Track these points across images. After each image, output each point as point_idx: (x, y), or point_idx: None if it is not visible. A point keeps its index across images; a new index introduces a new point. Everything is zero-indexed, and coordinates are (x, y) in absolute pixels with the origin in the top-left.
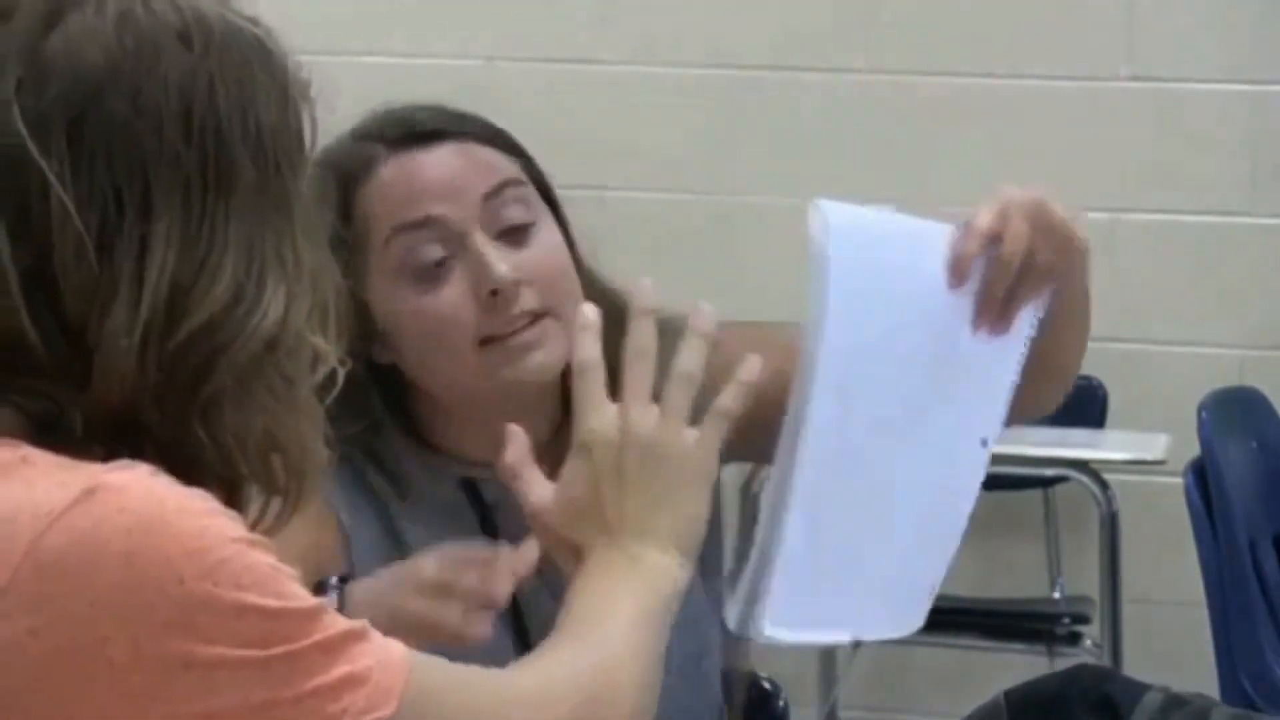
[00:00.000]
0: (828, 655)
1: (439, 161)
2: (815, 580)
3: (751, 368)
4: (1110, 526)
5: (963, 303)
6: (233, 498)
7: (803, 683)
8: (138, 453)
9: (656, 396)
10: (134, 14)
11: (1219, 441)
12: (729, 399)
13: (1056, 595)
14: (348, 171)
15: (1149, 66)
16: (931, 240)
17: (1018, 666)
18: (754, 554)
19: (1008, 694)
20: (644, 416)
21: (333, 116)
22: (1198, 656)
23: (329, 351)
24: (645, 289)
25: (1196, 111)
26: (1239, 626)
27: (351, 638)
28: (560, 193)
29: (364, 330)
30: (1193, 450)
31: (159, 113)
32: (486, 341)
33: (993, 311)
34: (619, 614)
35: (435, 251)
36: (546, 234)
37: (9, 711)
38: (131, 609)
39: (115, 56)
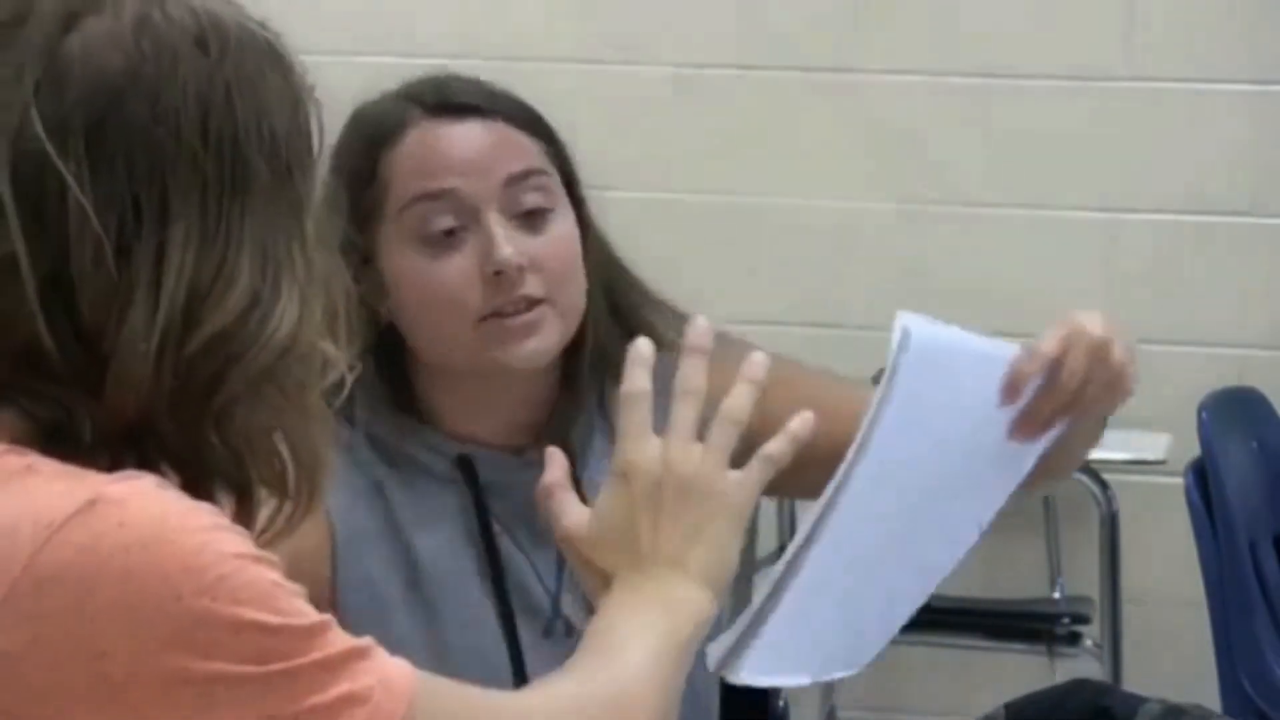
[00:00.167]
0: None
1: (467, 136)
2: (796, 636)
3: (805, 423)
4: (1110, 526)
5: (1005, 412)
6: (243, 501)
7: None
8: (146, 459)
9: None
10: (152, 19)
11: (1219, 441)
12: (778, 447)
13: (1056, 595)
14: (377, 132)
15: (1148, 66)
16: (996, 359)
17: (1018, 666)
18: (752, 608)
19: (1008, 706)
20: (686, 453)
21: (333, 117)
22: (1198, 656)
23: (339, 356)
24: (699, 327)
25: (1196, 111)
26: (1239, 626)
27: (354, 656)
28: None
29: (371, 290)
30: (1193, 450)
31: (177, 118)
32: (485, 318)
33: (1032, 429)
34: (640, 645)
35: (448, 221)
36: (560, 224)
37: None
38: (129, 625)
39: (134, 61)
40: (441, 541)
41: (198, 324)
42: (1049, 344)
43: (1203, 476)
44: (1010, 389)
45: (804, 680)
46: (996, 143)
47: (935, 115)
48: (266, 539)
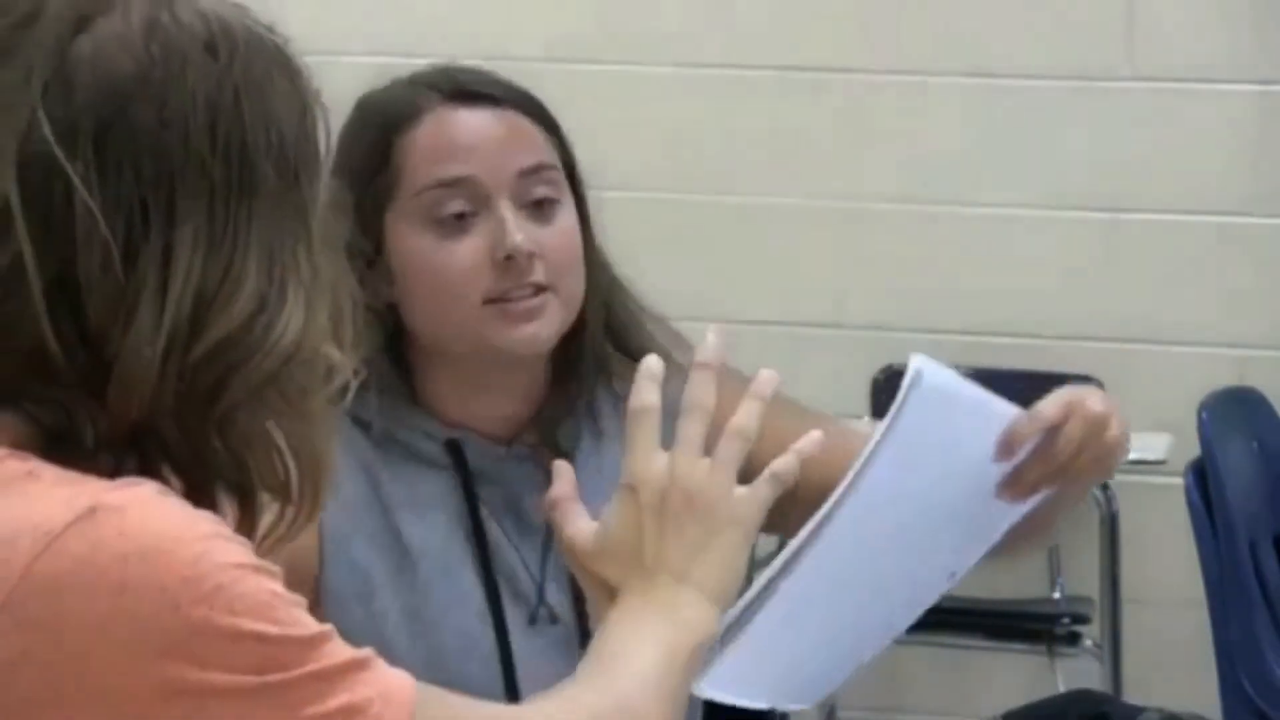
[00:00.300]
0: None
1: (482, 124)
2: (759, 660)
3: (812, 441)
4: (1110, 526)
5: (996, 469)
6: (246, 506)
7: None
8: (149, 463)
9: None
10: (161, 22)
11: (1219, 441)
12: (785, 464)
13: (1056, 595)
14: (391, 116)
15: (1149, 66)
16: (997, 416)
17: (1018, 666)
18: (723, 622)
19: (1008, 715)
20: (693, 467)
21: (336, 119)
22: (1198, 656)
23: (344, 361)
24: (711, 344)
25: (1196, 111)
26: (1239, 626)
27: (353, 667)
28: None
29: (377, 280)
30: (1193, 450)
31: (186, 123)
32: (490, 301)
33: (1020, 490)
34: (644, 658)
35: (460, 205)
36: (565, 216)
37: None
38: (126, 635)
39: (144, 65)
40: (430, 524)
41: (204, 328)
42: (1050, 409)
43: (1203, 477)
44: (1006, 446)
45: (760, 704)
46: (996, 143)
47: (935, 115)
48: (269, 544)
